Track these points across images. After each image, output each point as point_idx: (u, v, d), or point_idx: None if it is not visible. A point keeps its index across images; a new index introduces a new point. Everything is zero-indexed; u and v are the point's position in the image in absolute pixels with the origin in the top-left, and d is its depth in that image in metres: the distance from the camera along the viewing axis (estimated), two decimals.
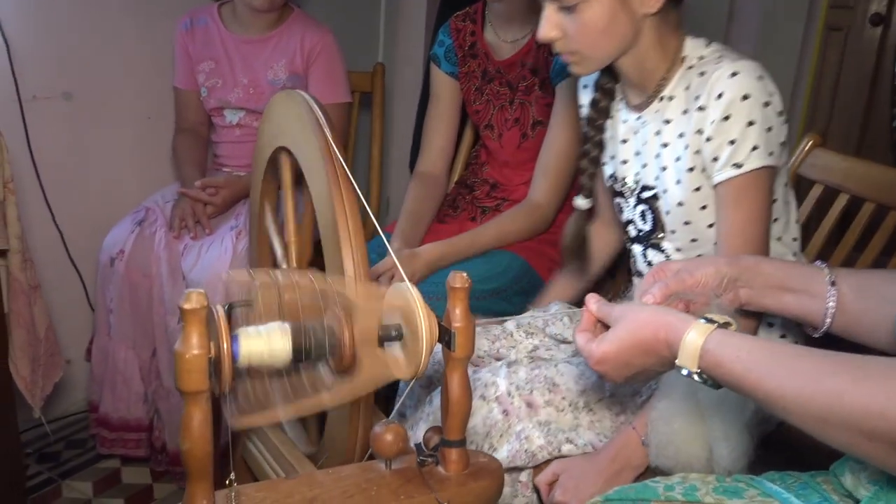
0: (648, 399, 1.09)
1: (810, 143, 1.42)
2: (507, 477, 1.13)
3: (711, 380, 0.75)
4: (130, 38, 2.03)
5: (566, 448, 1.10)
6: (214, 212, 1.84)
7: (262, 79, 1.93)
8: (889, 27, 2.33)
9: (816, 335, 0.90)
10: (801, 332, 1.13)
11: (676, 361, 0.76)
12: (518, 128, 1.70)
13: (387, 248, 0.94)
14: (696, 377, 0.75)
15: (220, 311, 0.75)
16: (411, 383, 0.84)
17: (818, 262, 0.92)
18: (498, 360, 1.26)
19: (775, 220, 1.15)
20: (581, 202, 1.29)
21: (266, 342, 0.77)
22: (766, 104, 1.05)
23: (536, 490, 1.12)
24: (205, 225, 1.81)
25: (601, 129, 1.25)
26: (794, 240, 1.20)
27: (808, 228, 1.46)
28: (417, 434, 1.15)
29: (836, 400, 0.63)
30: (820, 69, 2.40)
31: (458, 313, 0.83)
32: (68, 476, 1.84)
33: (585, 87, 1.31)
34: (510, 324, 1.33)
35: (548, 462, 1.10)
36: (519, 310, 1.45)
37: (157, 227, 1.80)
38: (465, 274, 0.84)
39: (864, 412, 0.61)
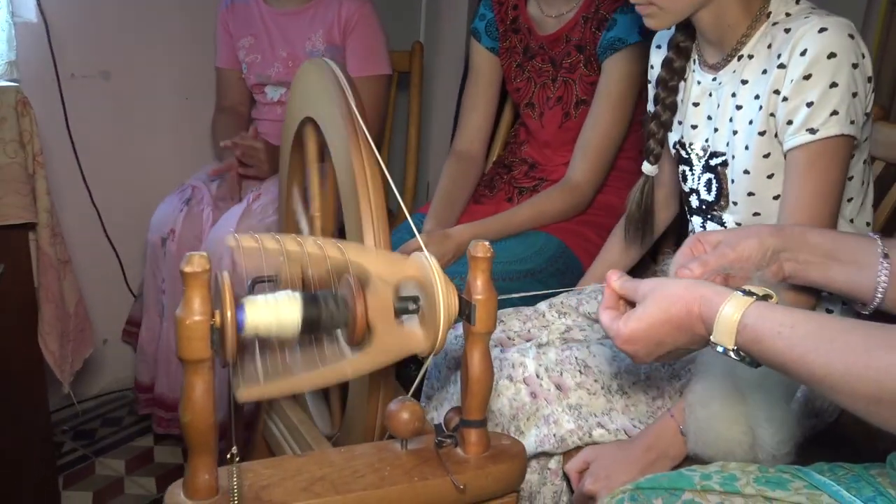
0: (688, 380, 1.02)
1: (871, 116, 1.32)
2: (535, 464, 1.07)
3: (750, 357, 0.68)
4: (169, 18, 2.03)
5: (597, 433, 1.03)
6: (261, 165, 1.82)
7: (300, 51, 1.90)
8: None
9: (866, 311, 0.83)
10: (850, 309, 1.05)
11: (711, 338, 0.70)
12: (560, 107, 1.63)
13: (415, 231, 0.89)
14: (732, 355, 0.68)
15: (224, 278, 0.71)
16: (428, 360, 0.79)
17: (870, 233, 0.84)
18: (528, 341, 1.21)
19: (850, 199, 1.06)
20: (648, 168, 1.21)
21: (274, 312, 0.73)
22: (855, 66, 0.95)
23: (566, 478, 1.06)
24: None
25: (674, 91, 1.16)
26: (868, 224, 1.11)
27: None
28: (442, 416, 1.10)
29: (891, 377, 0.56)
30: (884, 45, 2.27)
31: (479, 285, 0.78)
32: (102, 454, 1.85)
33: (658, 47, 1.23)
34: (543, 304, 1.27)
35: (578, 449, 1.04)
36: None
37: (205, 206, 1.79)
38: (487, 243, 0.79)
39: None
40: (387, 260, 0.80)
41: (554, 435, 1.04)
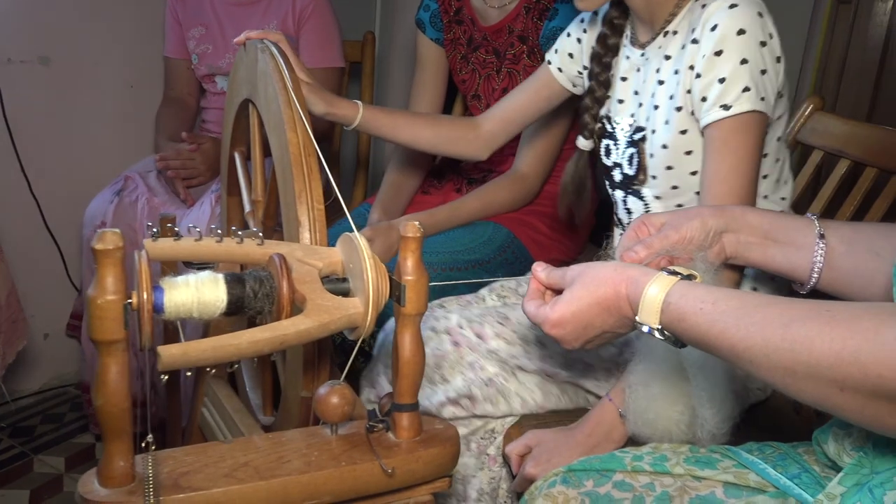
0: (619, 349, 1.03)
1: (810, 107, 1.34)
2: (473, 447, 1.06)
3: (674, 336, 0.68)
4: (114, 3, 1.97)
5: (519, 377, 1.07)
6: (201, 175, 1.79)
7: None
8: None
9: (803, 291, 0.83)
10: (777, 285, 1.06)
11: (637, 318, 0.69)
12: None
13: (352, 225, 0.87)
14: (657, 334, 0.68)
15: (141, 258, 0.69)
16: (359, 342, 0.77)
17: (809, 214, 0.84)
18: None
19: (765, 176, 1.07)
20: (583, 143, 1.22)
21: (195, 292, 0.71)
22: (763, 44, 0.97)
23: (506, 465, 1.05)
24: (184, 196, 1.76)
25: (608, 67, 1.17)
26: (783, 199, 1.12)
27: (807, 195, 1.38)
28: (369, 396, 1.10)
29: (806, 347, 0.56)
30: (829, 43, 2.31)
31: (409, 265, 0.77)
32: (41, 451, 1.80)
33: (569, 35, 1.24)
34: (484, 290, 1.28)
35: (517, 432, 1.03)
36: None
37: (139, 196, 1.75)
38: (416, 223, 0.77)
39: (835, 358, 0.54)
40: (312, 250, 0.78)
41: (480, 378, 1.06)
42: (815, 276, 0.81)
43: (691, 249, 0.83)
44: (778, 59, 0.99)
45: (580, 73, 1.25)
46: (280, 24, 1.88)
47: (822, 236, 0.81)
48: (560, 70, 1.27)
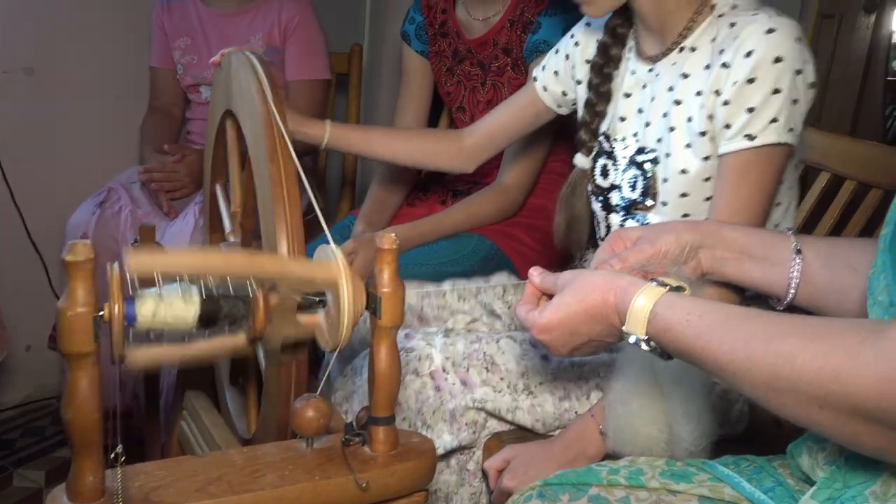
0: (596, 384, 1.02)
1: None
2: (454, 464, 1.06)
3: (660, 347, 0.67)
4: (99, 14, 1.97)
5: (499, 425, 1.04)
6: (185, 188, 1.78)
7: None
8: (882, 16, 2.26)
9: (780, 307, 0.83)
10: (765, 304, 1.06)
11: (624, 328, 0.69)
12: (491, 110, 1.62)
13: (330, 239, 0.85)
14: (643, 345, 0.68)
15: (113, 270, 0.68)
16: (335, 354, 0.77)
17: (785, 229, 0.85)
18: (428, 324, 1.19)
19: (778, 204, 1.04)
20: (581, 160, 1.16)
21: (168, 306, 0.71)
22: (798, 72, 0.92)
23: (486, 478, 1.05)
24: (167, 208, 1.75)
25: (609, 79, 1.11)
26: (789, 229, 1.09)
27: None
28: (355, 409, 1.09)
29: (788, 363, 0.56)
30: (814, 54, 2.33)
31: (385, 278, 0.77)
32: (22, 464, 1.78)
33: (572, 37, 1.20)
34: (446, 283, 1.25)
35: (496, 445, 1.03)
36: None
37: (122, 207, 1.74)
38: (393, 235, 0.77)
39: (816, 375, 0.54)
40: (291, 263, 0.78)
41: (465, 424, 1.03)
42: (792, 291, 0.81)
43: (666, 264, 0.82)
44: (811, 85, 0.95)
45: (565, 93, 1.22)
46: (266, 36, 1.88)
47: (798, 251, 0.81)
48: (545, 89, 1.24)
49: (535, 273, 0.82)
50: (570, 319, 0.74)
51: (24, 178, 1.89)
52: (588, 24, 1.18)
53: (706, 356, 0.63)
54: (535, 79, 1.26)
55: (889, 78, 2.53)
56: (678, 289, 0.71)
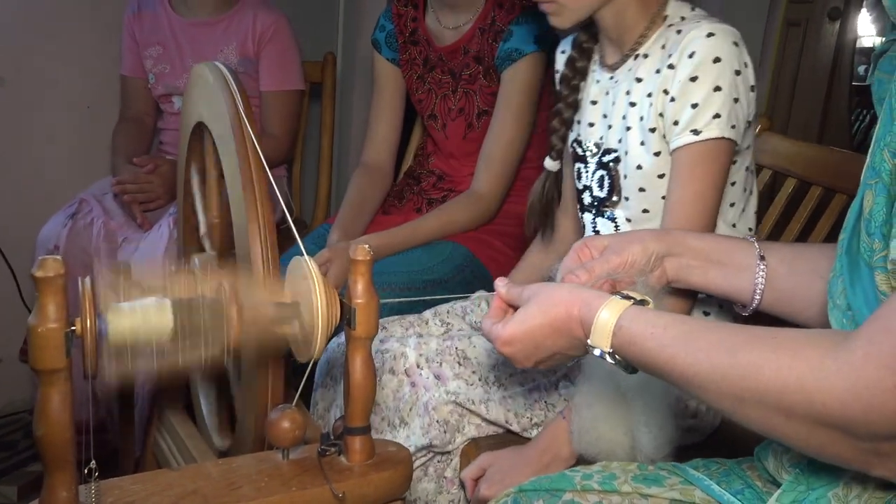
0: (563, 374, 1.03)
1: (759, 127, 1.38)
2: (431, 472, 1.07)
3: (625, 360, 0.68)
4: (71, 22, 1.95)
5: (476, 423, 1.05)
6: (159, 199, 1.77)
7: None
8: (846, 22, 2.31)
9: (745, 313, 0.85)
10: (730, 310, 1.08)
11: (588, 341, 0.70)
12: (463, 118, 1.64)
13: (303, 250, 0.86)
14: (608, 358, 0.69)
15: (85, 285, 0.68)
16: (308, 366, 0.77)
17: (748, 236, 0.86)
18: None
19: (732, 204, 1.09)
20: (550, 164, 1.23)
21: (141, 318, 0.71)
22: (738, 73, 0.99)
23: (463, 486, 1.05)
24: (141, 220, 1.74)
25: (576, 90, 1.19)
26: (750, 230, 1.14)
27: (756, 213, 1.41)
28: (332, 419, 1.09)
29: (753, 374, 0.57)
30: (780, 64, 2.38)
31: (359, 288, 0.77)
32: None
33: (563, 52, 1.25)
34: (428, 312, 1.27)
35: (473, 452, 1.04)
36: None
37: (94, 218, 1.73)
38: (366, 246, 0.78)
39: (782, 386, 0.55)
40: (263, 282, 0.78)
41: (437, 421, 1.05)
42: (757, 297, 0.83)
43: (633, 273, 0.83)
44: (751, 89, 1.02)
45: None
46: (239, 46, 1.88)
47: (762, 258, 0.83)
48: None
49: (501, 284, 0.83)
50: (535, 333, 0.75)
51: None
52: (574, 39, 1.22)
53: (671, 369, 0.63)
54: None
55: (854, 83, 2.59)
56: (642, 302, 0.72)
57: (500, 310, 0.82)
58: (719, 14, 1.11)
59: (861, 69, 2.76)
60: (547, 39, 1.51)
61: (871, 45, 2.90)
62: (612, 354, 0.69)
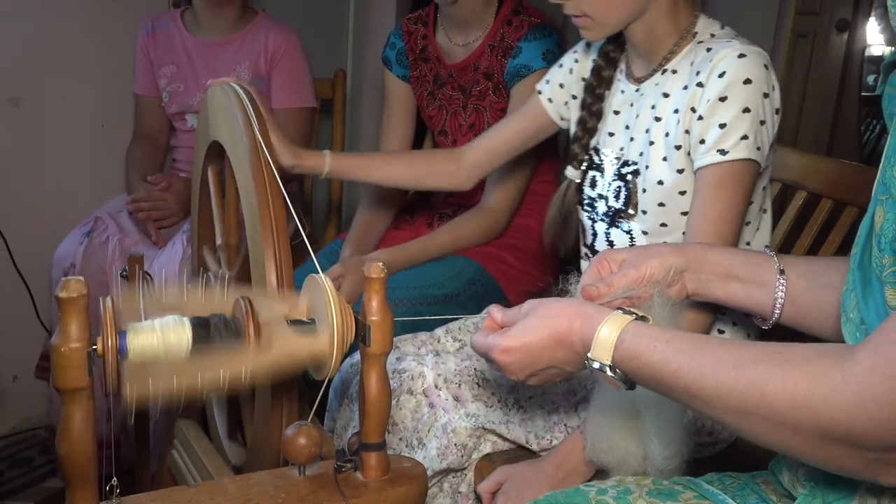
0: (583, 396, 1.03)
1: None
2: (446, 487, 1.07)
3: (625, 375, 0.69)
4: (86, 43, 1.98)
5: (492, 440, 1.05)
6: (173, 216, 1.79)
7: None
8: (854, 33, 2.32)
9: (766, 326, 0.85)
10: (744, 329, 1.08)
11: (589, 354, 0.71)
12: (473, 133, 1.65)
13: (317, 266, 0.86)
14: (608, 371, 0.69)
15: (106, 304, 0.69)
16: (324, 383, 0.78)
17: (766, 250, 0.87)
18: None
19: (748, 223, 1.09)
20: (572, 172, 1.22)
21: (160, 336, 0.72)
22: (766, 95, 1.00)
23: (478, 500, 1.05)
24: (156, 237, 1.76)
25: (601, 98, 1.19)
26: (767, 246, 1.14)
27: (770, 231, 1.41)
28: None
29: (759, 390, 0.57)
30: (789, 76, 2.38)
31: (374, 306, 0.78)
32: (9, 496, 1.76)
33: (576, 58, 1.26)
34: (440, 329, 1.27)
35: (487, 466, 1.04)
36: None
37: (109, 236, 1.75)
38: (380, 264, 0.79)
39: (788, 402, 0.55)
40: (279, 298, 0.79)
41: (455, 444, 1.04)
42: (778, 311, 0.83)
43: (651, 287, 0.84)
44: (777, 111, 1.02)
45: (567, 103, 1.27)
46: (252, 65, 1.90)
47: (781, 272, 0.83)
48: (550, 101, 1.28)
49: (496, 309, 0.83)
50: (535, 345, 0.75)
51: (10, 208, 1.89)
52: (588, 45, 1.23)
53: (675, 383, 0.63)
54: (539, 92, 1.30)
55: (863, 93, 2.59)
56: (643, 318, 0.73)
57: (492, 330, 0.82)
58: (728, 26, 1.11)
59: (870, 79, 2.76)
60: (555, 56, 1.52)
61: (879, 54, 2.90)
62: (612, 368, 0.70)
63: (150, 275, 1.17)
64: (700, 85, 1.01)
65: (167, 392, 0.68)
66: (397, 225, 1.72)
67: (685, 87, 1.05)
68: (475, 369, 1.10)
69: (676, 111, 1.06)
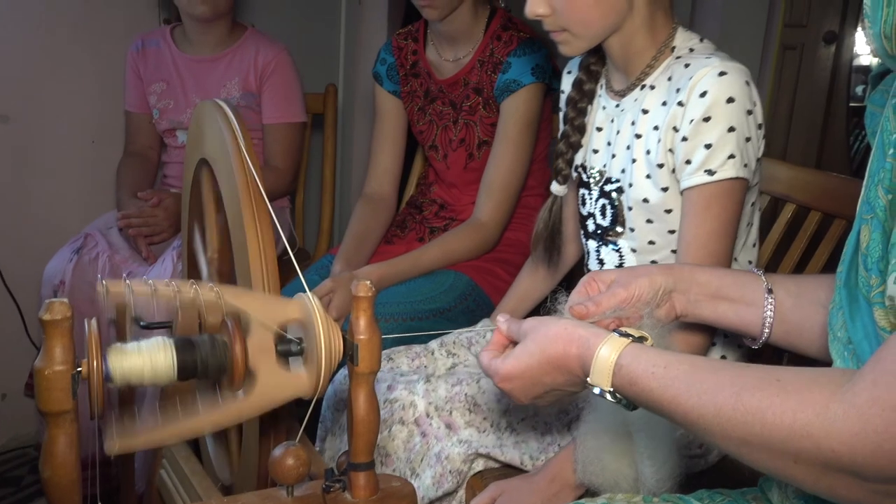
0: (576, 416, 1.03)
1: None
2: None
3: (626, 399, 0.68)
4: (76, 60, 1.98)
5: (486, 462, 1.04)
6: (164, 232, 1.78)
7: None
8: (842, 45, 2.33)
9: (756, 346, 0.85)
10: (736, 339, 1.08)
11: (588, 379, 0.70)
12: (464, 148, 1.66)
13: (305, 285, 0.85)
14: (609, 396, 0.69)
15: (92, 326, 0.69)
16: (312, 402, 0.78)
17: (754, 269, 0.86)
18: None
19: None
20: (557, 188, 1.22)
21: (146, 359, 0.71)
22: (749, 112, 0.99)
23: None
24: (146, 253, 1.75)
25: (583, 113, 1.18)
26: (750, 262, 1.15)
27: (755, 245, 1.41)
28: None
29: (758, 419, 0.56)
30: (777, 89, 2.39)
31: (361, 325, 0.78)
32: None
33: (569, 72, 1.26)
34: (433, 343, 1.27)
35: (479, 483, 1.03)
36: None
37: (99, 253, 1.74)
38: (368, 282, 0.79)
39: (788, 432, 0.54)
40: (268, 303, 0.79)
41: (450, 471, 1.03)
42: (767, 330, 0.83)
43: (640, 307, 0.83)
44: (759, 126, 1.02)
45: None
46: (242, 81, 1.90)
47: (769, 291, 0.83)
48: None
49: (503, 320, 0.83)
50: (533, 369, 0.75)
51: None
52: (582, 61, 1.23)
53: (674, 409, 0.63)
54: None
55: (852, 104, 2.60)
56: (640, 339, 0.72)
57: (500, 344, 0.82)
58: (716, 39, 1.12)
59: (859, 89, 2.77)
60: (544, 71, 1.53)
61: (867, 64, 2.91)
62: (612, 393, 0.69)
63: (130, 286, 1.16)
64: (681, 104, 1.00)
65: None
66: (389, 239, 1.72)
67: (664, 104, 1.04)
68: (466, 395, 1.09)
69: (656, 128, 1.05)
